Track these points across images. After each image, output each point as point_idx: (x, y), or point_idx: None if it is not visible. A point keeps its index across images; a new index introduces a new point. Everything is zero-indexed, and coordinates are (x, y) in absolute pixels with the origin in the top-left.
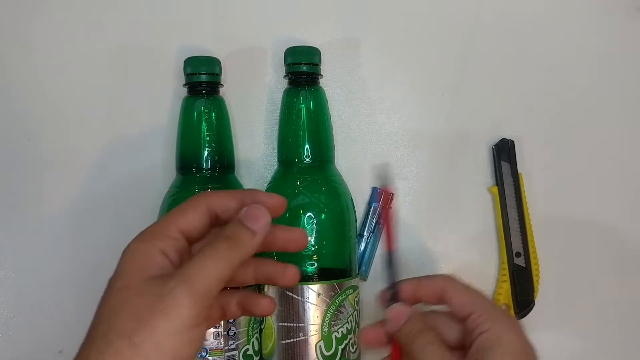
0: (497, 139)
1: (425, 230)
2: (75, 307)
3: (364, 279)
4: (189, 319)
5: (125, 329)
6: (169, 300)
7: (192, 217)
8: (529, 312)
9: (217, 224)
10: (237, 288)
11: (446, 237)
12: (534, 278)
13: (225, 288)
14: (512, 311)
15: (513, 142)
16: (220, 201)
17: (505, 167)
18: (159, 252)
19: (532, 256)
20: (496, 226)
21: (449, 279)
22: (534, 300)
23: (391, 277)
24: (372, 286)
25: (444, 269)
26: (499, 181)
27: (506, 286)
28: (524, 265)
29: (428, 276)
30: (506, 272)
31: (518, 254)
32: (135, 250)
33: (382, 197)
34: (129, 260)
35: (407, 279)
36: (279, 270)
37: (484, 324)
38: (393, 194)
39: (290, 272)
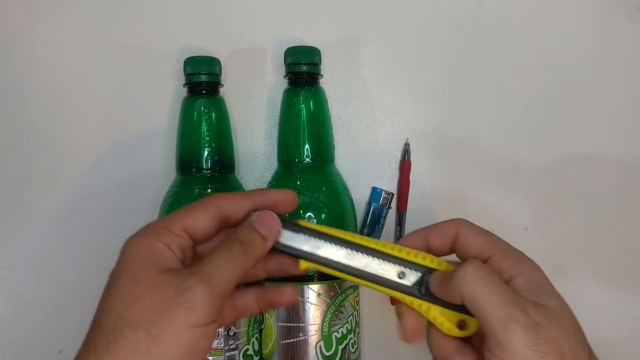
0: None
1: None
2: (75, 307)
3: None
4: (206, 316)
5: (141, 320)
6: (189, 296)
7: (200, 217)
8: None
9: (227, 225)
10: (250, 285)
11: None
12: None
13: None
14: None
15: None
16: (232, 203)
17: None
18: (164, 247)
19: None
20: None
21: (461, 221)
22: None
23: None
24: None
25: None
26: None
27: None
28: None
29: (437, 223)
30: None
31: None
32: (139, 245)
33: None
34: (134, 253)
35: (414, 231)
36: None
37: (512, 267)
38: (393, 194)
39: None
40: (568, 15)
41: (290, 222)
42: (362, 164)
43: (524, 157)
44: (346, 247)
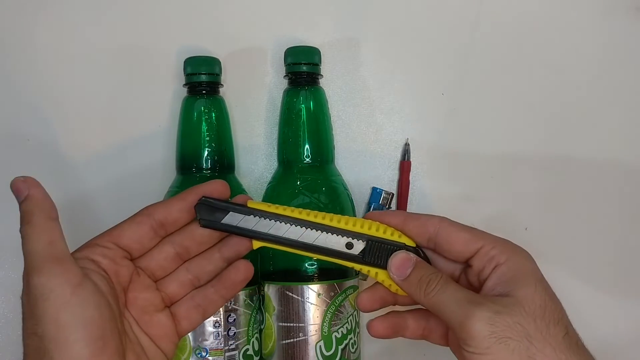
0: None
1: None
2: None
3: (364, 279)
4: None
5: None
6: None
7: (127, 227)
8: None
9: (166, 232)
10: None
11: None
12: None
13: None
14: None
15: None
16: (161, 208)
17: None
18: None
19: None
20: None
21: (443, 218)
22: None
23: None
24: None
25: None
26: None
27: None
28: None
29: (419, 213)
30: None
31: (349, 245)
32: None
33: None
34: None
35: (395, 210)
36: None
37: (500, 255)
38: (393, 194)
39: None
40: (568, 15)
41: (240, 204)
42: (362, 164)
43: (524, 157)
44: (296, 224)
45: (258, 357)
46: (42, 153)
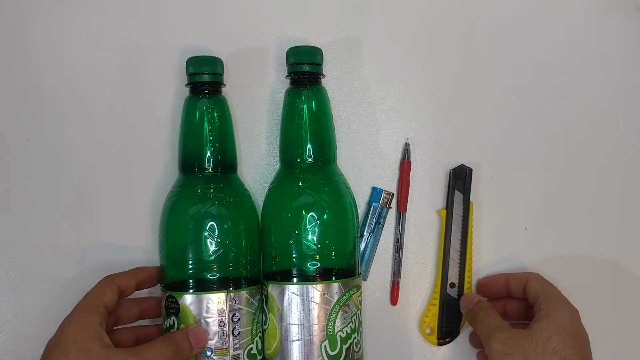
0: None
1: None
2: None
3: (364, 278)
4: None
5: None
6: None
7: (110, 294)
8: (450, 341)
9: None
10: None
11: None
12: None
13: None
14: (435, 336)
15: (471, 169)
16: (124, 280)
17: (458, 196)
18: (99, 325)
19: (466, 287)
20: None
21: (533, 273)
22: (459, 331)
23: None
24: (372, 286)
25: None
26: (448, 208)
27: (434, 310)
28: (456, 297)
29: (517, 273)
30: (437, 297)
31: (452, 285)
32: (81, 322)
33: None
34: (78, 329)
35: (499, 274)
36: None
37: (544, 304)
38: (393, 194)
39: None
40: (568, 15)
41: None
42: (362, 164)
43: (523, 157)
44: None
45: (261, 357)
46: (42, 153)
